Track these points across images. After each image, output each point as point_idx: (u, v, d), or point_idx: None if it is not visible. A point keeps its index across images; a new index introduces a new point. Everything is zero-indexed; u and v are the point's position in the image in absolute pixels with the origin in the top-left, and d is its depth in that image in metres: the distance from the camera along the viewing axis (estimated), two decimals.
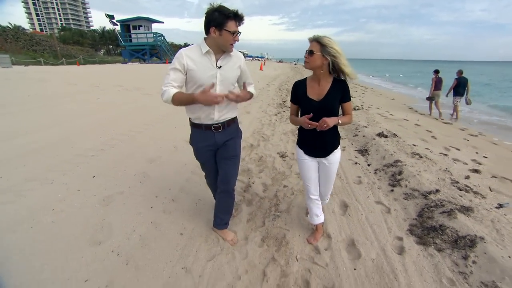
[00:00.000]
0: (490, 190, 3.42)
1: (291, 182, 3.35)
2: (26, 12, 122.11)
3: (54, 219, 2.28)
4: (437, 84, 8.80)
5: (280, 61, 79.80)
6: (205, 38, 1.72)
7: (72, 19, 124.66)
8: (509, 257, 2.03)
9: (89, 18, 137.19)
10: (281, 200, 2.92)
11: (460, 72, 8.55)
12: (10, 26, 45.72)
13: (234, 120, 2.01)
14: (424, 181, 3.26)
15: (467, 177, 3.68)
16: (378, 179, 3.57)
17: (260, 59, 65.07)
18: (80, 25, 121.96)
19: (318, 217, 2.25)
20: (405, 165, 3.69)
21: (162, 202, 2.66)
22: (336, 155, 2.04)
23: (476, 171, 3.95)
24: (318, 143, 1.97)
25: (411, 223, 2.63)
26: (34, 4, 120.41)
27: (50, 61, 30.13)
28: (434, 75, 8.90)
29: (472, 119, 9.29)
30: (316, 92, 1.87)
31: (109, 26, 54.09)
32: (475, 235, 2.28)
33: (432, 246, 2.29)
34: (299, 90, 1.95)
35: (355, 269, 2.03)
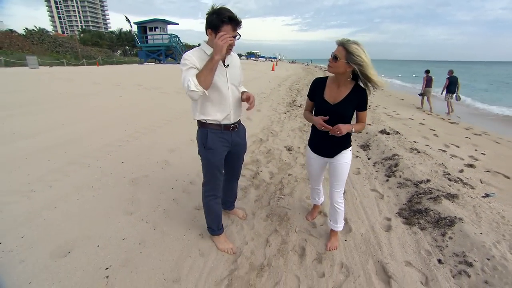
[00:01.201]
0: (481, 182, 3.68)
1: (295, 171, 3.72)
2: (49, 16, 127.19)
3: (94, 194, 2.76)
4: (428, 82, 9.98)
5: (292, 61, 79.91)
6: (206, 41, 1.74)
7: (91, 21, 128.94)
8: (481, 233, 2.33)
9: (107, 20, 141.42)
10: (285, 185, 3.29)
11: (451, 72, 9.65)
12: (35, 29, 47.96)
13: (239, 121, 2.05)
14: (418, 172, 3.56)
15: (461, 171, 3.95)
16: (376, 171, 3.89)
17: (273, 59, 65.42)
18: (98, 27, 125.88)
19: (316, 200, 2.60)
20: (402, 158, 3.99)
21: (181, 184, 3.09)
22: (344, 156, 1.99)
23: (471, 165, 4.20)
24: (324, 143, 1.98)
25: (400, 208, 2.95)
26: (56, 7, 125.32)
27: (72, 61, 31.50)
28: (425, 74, 10.11)
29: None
30: (333, 95, 1.83)
31: (126, 27, 55.84)
32: (455, 216, 2.58)
33: (416, 226, 2.61)
34: (317, 88, 1.93)
35: (345, 240, 2.38)
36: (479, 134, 6.87)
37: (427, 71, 10.21)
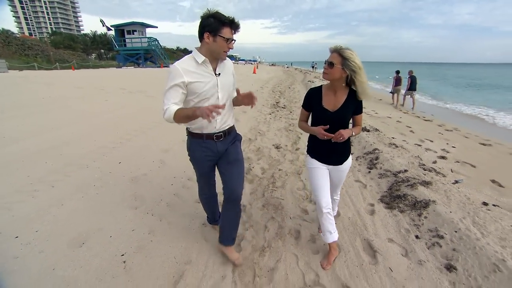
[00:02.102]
0: (452, 171, 4.10)
1: (285, 167, 3.97)
2: (14, 16, 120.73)
3: (97, 192, 2.87)
4: (397, 81, 11.33)
5: (272, 64, 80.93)
6: (197, 48, 1.68)
7: (62, 23, 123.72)
8: (450, 212, 2.68)
9: (80, 22, 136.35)
10: (277, 179, 3.53)
11: (411, 72, 10.98)
12: None
13: (232, 128, 1.96)
14: (396, 164, 3.92)
15: (434, 162, 4.36)
16: (358, 164, 4.22)
17: (253, 62, 65.99)
18: (70, 29, 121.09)
19: (332, 234, 2.03)
20: (382, 152, 4.35)
21: (180, 181, 3.25)
22: (348, 163, 2.05)
23: (443, 157, 4.64)
24: (332, 152, 1.96)
25: (382, 195, 3.27)
26: (22, 8, 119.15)
27: (43, 65, 30.21)
28: (396, 75, 11.43)
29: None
30: (332, 102, 1.85)
31: (100, 30, 54.33)
32: (429, 199, 2.92)
33: (396, 209, 2.93)
34: (313, 98, 1.92)
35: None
36: (451, 130, 7.47)
37: (397, 72, 11.47)
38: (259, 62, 74.31)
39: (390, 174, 3.68)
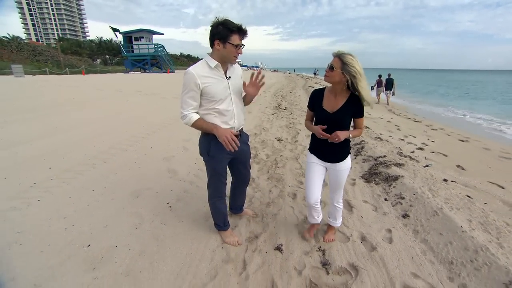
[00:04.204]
0: (426, 159, 4.89)
1: (285, 153, 4.77)
2: (22, 23, 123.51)
3: (139, 167, 3.68)
4: (379, 84, 14.15)
5: (275, 70, 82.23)
6: (209, 54, 1.81)
7: (69, 29, 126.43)
8: (414, 183, 3.45)
9: (86, 29, 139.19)
10: (279, 162, 4.33)
11: (389, 75, 13.85)
12: (8, 37, 46.99)
13: (242, 129, 2.15)
14: (378, 151, 4.71)
15: (412, 152, 5.15)
16: None
17: (255, 68, 67.30)
18: (76, 35, 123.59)
19: (315, 219, 2.37)
20: (367, 143, 5.14)
21: (201, 161, 4.06)
22: (347, 163, 2.09)
23: (421, 148, 5.43)
24: (329, 150, 2.04)
25: (363, 173, 4.05)
26: (30, 14, 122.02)
27: (54, 70, 31.34)
28: (378, 78, 14.30)
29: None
30: (331, 104, 1.93)
31: (106, 36, 55.76)
32: (399, 175, 3.69)
33: (373, 182, 3.71)
34: (316, 99, 2.04)
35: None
36: (436, 129, 8.23)
37: (379, 76, 14.38)
38: (261, 68, 75.73)
39: (372, 159, 4.46)
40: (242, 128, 2.14)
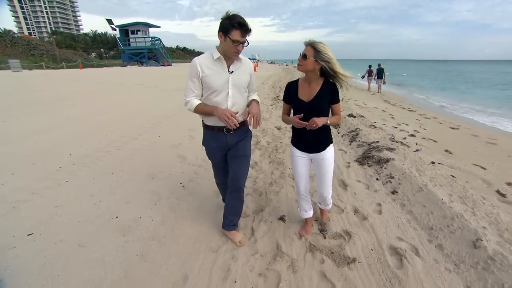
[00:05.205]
0: (416, 144, 5.22)
1: (285, 141, 5.08)
2: (13, 16, 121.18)
3: (150, 153, 3.98)
4: (369, 73, 15.46)
5: (271, 62, 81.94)
6: (216, 46, 1.84)
7: (62, 22, 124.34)
8: (403, 165, 3.77)
9: (79, 22, 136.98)
10: (279, 148, 4.64)
11: (379, 65, 14.74)
12: (0, 30, 46.41)
13: (244, 123, 2.06)
14: (371, 137, 5.03)
15: (404, 138, 5.47)
16: (343, 139, 5.33)
17: (253, 60, 67.14)
18: (69, 29, 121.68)
19: (307, 212, 2.36)
20: (362, 130, 5.46)
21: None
22: (329, 151, 2.09)
23: (412, 135, 5.75)
24: (310, 139, 2.04)
25: (357, 157, 4.38)
26: (21, 7, 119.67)
27: (50, 65, 31.18)
28: (368, 68, 15.47)
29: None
30: (307, 93, 1.95)
31: (100, 29, 55.07)
32: (390, 158, 4.02)
33: (366, 165, 4.03)
34: (291, 91, 2.05)
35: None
36: (429, 118, 8.55)
37: (370, 66, 15.53)
38: (258, 60, 75.46)
39: (365, 145, 4.78)
40: (239, 123, 1.94)
